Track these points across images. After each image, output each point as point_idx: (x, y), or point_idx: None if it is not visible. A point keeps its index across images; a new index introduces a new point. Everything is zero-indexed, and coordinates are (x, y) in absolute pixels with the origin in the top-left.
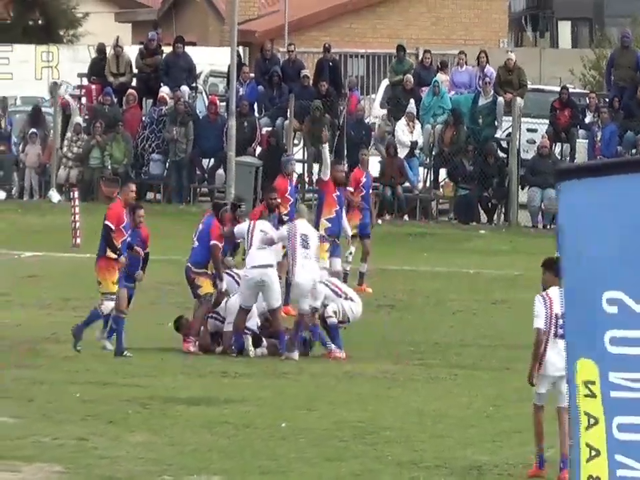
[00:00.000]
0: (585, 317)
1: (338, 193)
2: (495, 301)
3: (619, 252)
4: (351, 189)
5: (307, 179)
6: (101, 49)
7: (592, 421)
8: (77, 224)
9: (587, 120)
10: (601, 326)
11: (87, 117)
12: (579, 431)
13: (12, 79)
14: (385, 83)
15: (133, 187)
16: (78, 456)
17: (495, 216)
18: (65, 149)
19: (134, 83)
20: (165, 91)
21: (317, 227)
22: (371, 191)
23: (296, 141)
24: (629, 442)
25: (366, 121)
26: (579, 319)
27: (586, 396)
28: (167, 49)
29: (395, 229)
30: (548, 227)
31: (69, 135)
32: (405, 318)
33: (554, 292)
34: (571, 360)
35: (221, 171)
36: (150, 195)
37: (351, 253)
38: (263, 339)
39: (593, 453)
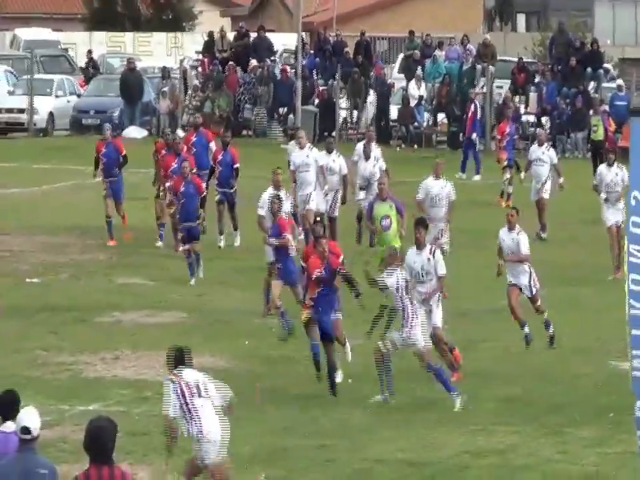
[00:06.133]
0: None
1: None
2: (482, 202)
3: None
4: (499, 136)
5: (348, 120)
6: (210, 35)
7: None
8: None
9: (536, 80)
10: None
11: (201, 80)
12: None
13: (152, 55)
14: (401, 56)
15: None
16: (196, 306)
17: None
18: (187, 102)
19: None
20: (253, 62)
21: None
22: (516, 137)
23: (341, 95)
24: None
25: (388, 81)
26: None
27: None
28: (254, 35)
29: (408, 154)
30: None
31: (189, 92)
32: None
33: None
34: None
35: (291, 116)
36: (244, 132)
37: (507, 179)
38: None
39: None
